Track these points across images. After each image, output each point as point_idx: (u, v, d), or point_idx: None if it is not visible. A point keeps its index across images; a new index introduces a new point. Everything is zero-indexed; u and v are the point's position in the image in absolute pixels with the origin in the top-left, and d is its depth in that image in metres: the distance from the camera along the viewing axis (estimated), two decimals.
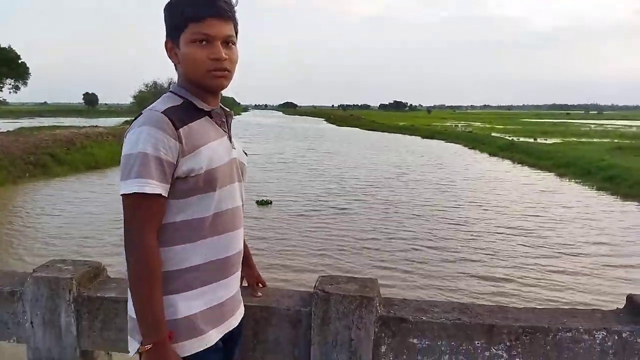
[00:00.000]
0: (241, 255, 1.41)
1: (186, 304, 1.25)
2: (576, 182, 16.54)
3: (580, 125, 61.18)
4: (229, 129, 1.38)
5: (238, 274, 1.42)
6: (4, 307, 1.76)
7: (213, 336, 1.29)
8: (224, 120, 1.36)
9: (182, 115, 1.22)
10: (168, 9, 1.27)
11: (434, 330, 1.56)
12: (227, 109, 1.41)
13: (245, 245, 1.63)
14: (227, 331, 1.36)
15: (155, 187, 1.16)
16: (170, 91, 1.32)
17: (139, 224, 1.17)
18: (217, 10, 1.23)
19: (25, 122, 48.51)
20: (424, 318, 1.58)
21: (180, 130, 1.19)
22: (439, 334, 1.56)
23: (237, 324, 1.43)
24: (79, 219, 10.79)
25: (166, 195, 1.19)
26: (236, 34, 1.31)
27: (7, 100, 44.20)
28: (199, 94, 1.29)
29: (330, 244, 8.64)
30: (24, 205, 12.54)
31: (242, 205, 1.42)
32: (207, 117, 1.30)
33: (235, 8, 1.30)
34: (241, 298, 1.49)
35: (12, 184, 15.11)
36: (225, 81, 1.28)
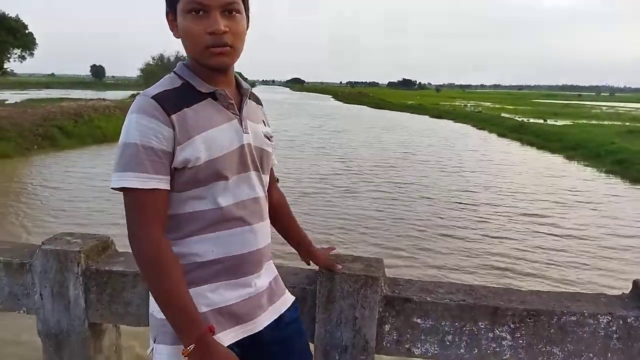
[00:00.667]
0: (264, 253, 1.26)
1: (195, 301, 1.12)
2: (585, 165, 16.39)
3: (592, 107, 60.39)
4: (241, 111, 1.20)
5: (262, 274, 1.26)
6: (14, 278, 1.79)
7: (221, 339, 1.14)
8: (232, 101, 1.17)
9: (177, 100, 1.09)
10: None
11: (438, 311, 1.57)
12: (244, 85, 1.24)
13: (301, 231, 1.55)
14: (244, 336, 1.21)
15: (150, 180, 1.05)
16: (173, 71, 1.18)
17: (139, 221, 1.07)
18: None
19: (33, 94, 48.60)
20: (428, 298, 1.59)
21: (173, 116, 1.06)
22: (443, 314, 1.57)
23: (273, 319, 1.28)
24: (87, 191, 10.87)
25: (165, 188, 1.09)
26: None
27: (14, 71, 44.15)
28: (203, 73, 1.14)
29: (335, 223, 8.66)
30: (33, 177, 12.62)
31: (264, 196, 1.26)
32: (209, 99, 1.15)
33: None
34: (282, 291, 1.36)
35: (21, 156, 15.19)
36: (226, 58, 1.11)
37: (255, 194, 1.22)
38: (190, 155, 1.07)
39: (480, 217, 9.33)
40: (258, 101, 1.35)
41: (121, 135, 1.07)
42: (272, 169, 1.40)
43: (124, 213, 1.08)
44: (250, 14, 1.17)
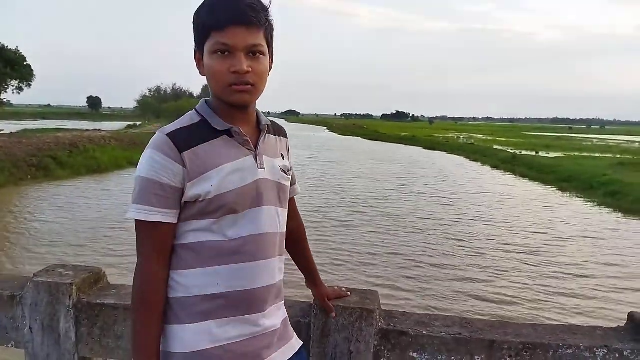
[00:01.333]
0: (272, 290, 1.24)
1: (192, 338, 1.14)
2: (578, 197, 16.52)
3: (583, 139, 61.24)
4: (257, 146, 1.22)
5: (271, 313, 1.24)
6: (4, 311, 1.75)
7: None
8: (247, 138, 1.19)
9: (191, 137, 1.13)
10: (194, 17, 1.16)
11: (434, 345, 1.55)
12: (263, 120, 1.26)
13: (311, 261, 1.56)
14: None
15: (153, 214, 1.10)
16: (195, 108, 1.22)
17: (142, 251, 1.14)
18: (239, 16, 1.09)
19: (29, 124, 48.74)
20: (424, 332, 1.57)
21: (185, 153, 1.10)
22: (439, 348, 1.55)
23: None
24: (79, 223, 10.79)
25: (170, 221, 1.13)
26: (271, 39, 1.18)
27: (11, 102, 44.40)
28: (224, 110, 1.18)
29: (328, 257, 8.54)
30: (25, 208, 12.55)
31: (280, 232, 1.26)
32: (224, 136, 1.17)
33: (269, 11, 1.15)
34: (290, 334, 1.35)
35: (14, 186, 15.15)
36: (247, 96, 1.14)
37: (268, 229, 1.21)
38: (201, 190, 1.11)
39: (475, 251, 9.24)
40: (281, 133, 1.36)
41: (138, 168, 1.14)
42: (293, 198, 1.44)
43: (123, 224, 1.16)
44: (273, 55, 1.22)
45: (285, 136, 1.39)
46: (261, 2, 1.13)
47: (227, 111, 1.18)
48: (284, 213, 1.29)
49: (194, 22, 1.15)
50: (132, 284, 1.15)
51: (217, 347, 1.14)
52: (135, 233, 1.15)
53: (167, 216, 1.12)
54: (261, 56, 1.14)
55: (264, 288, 1.20)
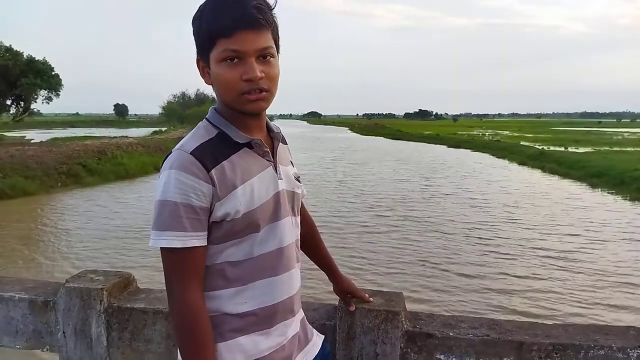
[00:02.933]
0: (296, 299, 1.24)
1: (228, 355, 1.12)
2: (609, 193, 16.08)
3: (613, 133, 59.55)
4: (275, 156, 1.19)
5: (294, 319, 1.25)
6: (38, 316, 1.81)
7: None
8: (267, 149, 1.16)
9: (214, 152, 1.07)
10: (194, 24, 1.09)
11: (462, 347, 1.53)
12: (275, 128, 1.23)
13: (328, 257, 1.54)
14: None
15: (189, 239, 1.04)
16: (206, 118, 1.16)
17: (177, 280, 1.06)
18: (248, 20, 1.02)
19: (58, 133, 50.13)
20: (451, 334, 1.55)
21: (213, 171, 1.05)
22: (467, 350, 1.53)
23: None
24: (109, 228, 11.03)
25: (203, 244, 1.07)
26: (277, 40, 1.11)
27: (40, 111, 45.70)
28: (237, 119, 1.12)
29: (349, 263, 8.40)
30: (56, 215, 12.90)
31: (296, 240, 1.25)
32: (245, 148, 1.13)
33: (274, 11, 1.09)
34: (311, 333, 1.35)
35: (45, 193, 15.59)
36: (263, 103, 1.09)
37: (288, 241, 1.19)
38: (231, 209, 1.06)
39: (506, 257, 8.71)
40: (284, 140, 1.32)
41: (159, 192, 1.05)
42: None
43: (163, 270, 1.09)
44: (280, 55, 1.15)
45: (287, 143, 1.36)
46: (266, 1, 1.08)
47: (240, 120, 1.12)
48: (297, 221, 1.27)
49: (195, 29, 1.09)
50: (163, 308, 1.11)
51: None
52: (166, 262, 1.07)
53: (202, 239, 1.06)
54: (272, 59, 1.08)
55: (288, 299, 1.20)
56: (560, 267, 8.21)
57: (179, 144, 1.09)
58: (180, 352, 1.08)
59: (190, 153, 1.05)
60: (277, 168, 1.19)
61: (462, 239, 9.95)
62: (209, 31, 1.05)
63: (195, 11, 1.09)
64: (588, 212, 12.90)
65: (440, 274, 7.80)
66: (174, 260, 1.05)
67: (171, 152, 1.09)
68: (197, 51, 1.11)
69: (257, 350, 1.14)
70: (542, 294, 7.02)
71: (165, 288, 1.09)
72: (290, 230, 1.20)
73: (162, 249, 1.05)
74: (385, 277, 7.80)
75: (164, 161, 1.09)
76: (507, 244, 9.58)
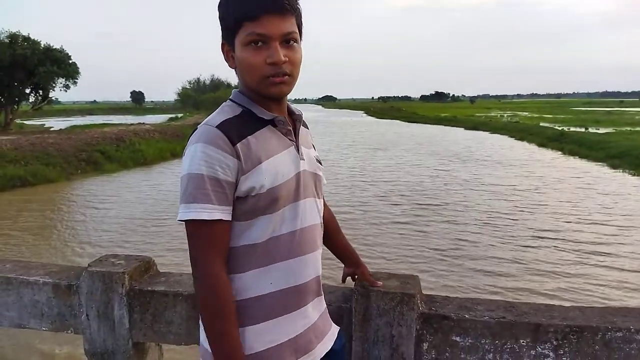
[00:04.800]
0: (318, 280, 1.25)
1: (256, 338, 1.12)
2: (631, 174, 15.77)
3: (635, 113, 58.14)
4: (297, 136, 1.21)
5: (317, 301, 1.26)
6: (62, 300, 1.87)
7: None
8: (290, 128, 1.19)
9: (240, 128, 1.09)
10: (220, 8, 1.11)
11: (477, 329, 1.54)
12: (296, 111, 1.24)
13: (348, 245, 1.55)
14: None
15: (215, 211, 1.05)
16: (229, 99, 1.19)
17: (203, 253, 1.06)
18: (274, 4, 1.05)
19: (77, 120, 50.87)
20: (467, 316, 1.56)
21: (238, 145, 1.06)
22: (483, 332, 1.54)
23: (327, 350, 1.27)
24: (129, 214, 11.21)
25: (229, 219, 1.08)
26: (300, 26, 1.13)
27: (59, 100, 46.30)
28: (260, 101, 1.14)
29: (375, 250, 8.32)
30: (77, 201, 13.14)
31: (320, 223, 1.25)
32: (269, 126, 1.15)
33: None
34: (330, 322, 1.35)
35: (66, 180, 15.87)
36: (285, 87, 1.11)
37: (310, 222, 1.20)
38: (255, 182, 1.07)
39: (534, 250, 8.07)
40: (306, 125, 1.33)
41: (185, 166, 1.07)
42: None
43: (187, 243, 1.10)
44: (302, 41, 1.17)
45: (307, 127, 1.36)
46: None
47: (263, 102, 1.15)
48: (321, 204, 1.28)
49: (222, 12, 1.11)
50: (193, 288, 1.10)
51: (275, 346, 1.14)
52: (190, 236, 1.07)
53: (227, 213, 1.07)
54: (295, 44, 1.10)
55: (311, 280, 1.21)
56: (597, 262, 7.54)
57: (205, 121, 1.11)
58: (204, 326, 1.09)
59: (216, 127, 1.07)
60: (300, 148, 1.20)
61: (483, 228, 9.57)
62: (235, 14, 1.07)
63: None
64: (610, 197, 12.32)
65: (467, 273, 7.35)
66: (200, 234, 1.06)
67: (197, 128, 1.10)
68: (223, 35, 1.13)
69: (281, 335, 1.15)
70: (577, 296, 6.40)
71: (186, 269, 1.12)
72: (313, 211, 1.21)
73: (187, 223, 1.06)
74: (404, 255, 7.80)
75: (189, 137, 1.11)
76: (535, 234, 8.96)
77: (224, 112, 1.13)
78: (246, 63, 1.09)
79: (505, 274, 7.10)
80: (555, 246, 8.28)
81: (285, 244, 1.14)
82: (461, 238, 8.75)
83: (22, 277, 1.90)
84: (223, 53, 1.15)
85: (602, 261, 7.54)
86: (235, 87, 1.24)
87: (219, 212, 1.06)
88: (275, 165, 1.11)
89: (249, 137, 1.09)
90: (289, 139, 1.18)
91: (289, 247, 1.15)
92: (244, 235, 1.12)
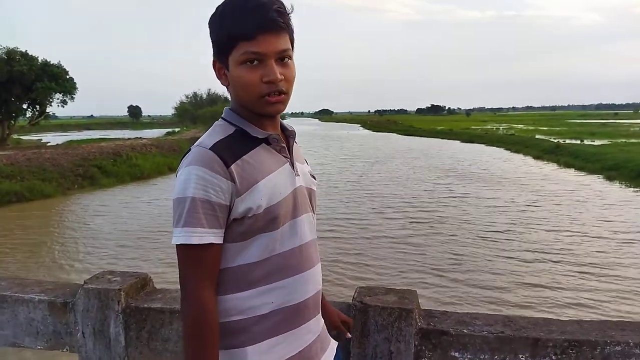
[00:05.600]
0: (319, 295, 1.23)
1: (259, 358, 1.11)
2: (627, 186, 15.83)
3: (630, 125, 58.53)
4: (291, 153, 1.19)
5: (318, 316, 1.24)
6: (57, 317, 1.85)
7: None
8: (284, 145, 1.17)
9: (234, 148, 1.07)
10: (212, 26, 1.09)
11: (476, 344, 1.53)
12: (289, 127, 1.23)
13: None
14: None
15: (206, 235, 1.03)
16: (222, 117, 1.16)
17: (191, 277, 1.05)
18: (269, 22, 1.04)
19: (74, 135, 50.90)
20: (465, 331, 1.55)
21: (232, 167, 1.04)
22: (482, 347, 1.53)
23: None
24: (125, 229, 11.16)
25: (220, 242, 1.07)
26: (293, 42, 1.12)
27: (56, 115, 46.35)
28: (254, 119, 1.13)
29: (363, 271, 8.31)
30: (73, 217, 13.09)
31: (315, 238, 1.24)
32: (263, 144, 1.13)
33: (290, 14, 1.10)
34: (329, 336, 1.33)
35: (62, 195, 15.82)
36: (281, 106, 1.11)
37: (308, 238, 1.19)
38: (252, 203, 1.06)
39: (537, 270, 7.73)
40: (296, 139, 1.33)
41: (178, 189, 1.05)
42: None
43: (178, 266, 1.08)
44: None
45: (295, 142, 1.35)
46: (284, 4, 1.08)
47: (257, 120, 1.13)
48: (315, 219, 1.27)
49: (214, 30, 1.09)
50: (179, 308, 1.08)
51: None
52: (181, 260, 1.06)
53: (218, 237, 1.06)
54: (289, 61, 1.10)
55: (311, 297, 1.19)
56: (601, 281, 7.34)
57: (197, 142, 1.09)
58: (185, 348, 1.06)
59: (210, 149, 1.05)
60: (294, 165, 1.19)
61: (481, 246, 9.49)
62: (229, 33, 1.05)
63: (213, 12, 1.09)
64: (610, 210, 12.23)
65: (461, 289, 7.36)
66: (190, 257, 1.05)
67: (189, 150, 1.08)
68: (215, 53, 1.11)
69: (284, 352, 1.14)
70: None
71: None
72: (310, 226, 1.20)
73: (178, 246, 1.05)
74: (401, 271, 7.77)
75: (182, 159, 1.09)
76: (536, 251, 8.76)
77: (216, 132, 1.11)
78: (242, 82, 1.08)
79: (502, 288, 7.09)
80: (552, 260, 8.28)
81: (285, 261, 1.12)
82: (459, 252, 8.74)
83: (18, 295, 1.88)
84: (215, 70, 1.13)
85: (599, 274, 7.55)
86: None
87: (211, 236, 1.04)
88: (271, 183, 1.09)
89: (243, 157, 1.07)
90: (284, 156, 1.16)
91: (289, 265, 1.13)
92: (242, 255, 1.10)
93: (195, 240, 1.03)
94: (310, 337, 1.20)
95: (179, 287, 1.10)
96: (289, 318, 1.14)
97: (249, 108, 1.12)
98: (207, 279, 1.06)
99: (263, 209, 1.07)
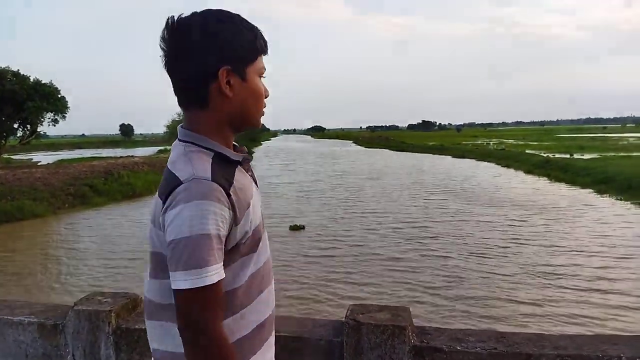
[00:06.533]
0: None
1: None
2: (617, 199, 15.95)
3: (618, 139, 59.26)
4: (252, 171, 1.20)
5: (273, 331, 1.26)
6: (47, 340, 1.82)
7: None
8: (250, 165, 1.17)
9: (225, 176, 1.02)
10: (230, 33, 1.05)
11: None
12: (238, 144, 1.19)
13: None
14: None
15: (221, 270, 0.99)
16: (192, 142, 1.07)
17: (211, 316, 0.98)
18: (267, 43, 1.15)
19: (65, 154, 50.59)
20: (458, 347, 1.55)
21: (232, 195, 1.00)
22: None
23: None
24: (116, 249, 11.05)
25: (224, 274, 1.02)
26: None
27: (47, 134, 46.13)
28: (227, 139, 1.10)
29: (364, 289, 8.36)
30: (63, 237, 12.95)
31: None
32: (238, 166, 1.10)
33: None
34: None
35: (53, 215, 15.67)
36: None
37: (269, 252, 1.21)
38: (248, 228, 1.05)
39: (538, 295, 7.37)
40: None
41: (184, 227, 0.95)
42: None
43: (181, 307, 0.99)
44: None
45: None
46: None
47: (228, 140, 1.11)
48: None
49: (236, 38, 1.05)
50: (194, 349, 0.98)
51: None
52: (197, 300, 0.97)
53: (223, 270, 1.01)
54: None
55: (274, 310, 1.21)
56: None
57: (191, 173, 0.99)
58: None
59: (212, 180, 0.98)
60: (256, 181, 1.20)
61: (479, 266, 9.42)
62: (254, 45, 1.08)
63: (220, 19, 1.05)
64: (607, 226, 12.05)
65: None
66: (207, 297, 0.97)
67: (179, 183, 0.98)
68: (231, 60, 1.05)
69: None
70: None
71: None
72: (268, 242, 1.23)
73: (188, 289, 0.96)
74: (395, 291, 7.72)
75: (170, 193, 0.99)
76: (536, 272, 8.44)
77: (201, 160, 1.03)
78: (258, 92, 1.11)
79: (496, 305, 7.06)
80: (545, 274, 8.29)
81: (259, 279, 1.13)
82: (452, 270, 8.71)
83: (6, 317, 1.86)
84: (221, 79, 1.04)
85: (595, 289, 7.53)
86: None
87: (222, 270, 0.99)
88: (254, 205, 1.09)
89: (234, 183, 1.04)
90: (250, 175, 1.16)
91: (262, 281, 1.14)
92: (240, 276, 1.08)
93: (216, 278, 0.97)
94: (271, 355, 1.21)
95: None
96: (266, 330, 1.16)
97: (248, 120, 1.12)
98: (220, 311, 1.02)
99: (252, 232, 1.06)
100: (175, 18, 1.04)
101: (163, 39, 1.05)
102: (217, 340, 0.98)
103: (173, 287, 0.97)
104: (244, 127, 1.13)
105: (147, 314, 1.16)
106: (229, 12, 1.08)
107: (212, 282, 0.96)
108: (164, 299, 1.07)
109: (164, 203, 1.00)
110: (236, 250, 1.05)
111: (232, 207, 1.00)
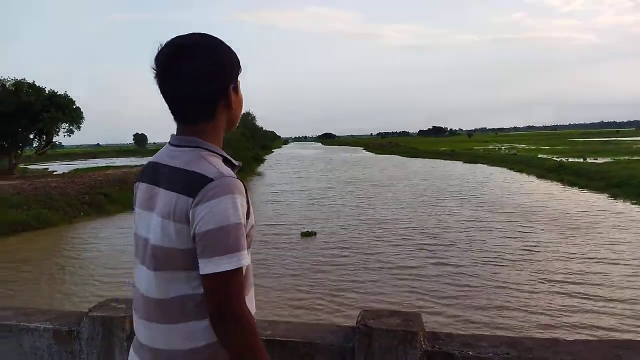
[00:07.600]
0: None
1: None
2: (632, 203, 15.72)
3: (632, 142, 58.46)
4: None
5: None
6: (63, 346, 1.85)
7: None
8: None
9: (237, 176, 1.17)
10: (233, 56, 1.21)
11: None
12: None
13: None
14: None
15: (248, 256, 1.13)
16: (203, 147, 1.18)
17: (241, 299, 1.09)
18: None
19: (80, 164, 51.19)
20: (470, 353, 1.54)
21: (247, 191, 1.15)
22: None
23: None
24: (130, 256, 11.13)
25: None
26: None
27: (62, 144, 46.75)
28: (221, 143, 1.24)
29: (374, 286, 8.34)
30: (78, 245, 13.08)
31: None
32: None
33: None
34: None
35: (68, 224, 15.85)
36: None
37: None
38: (253, 221, 1.18)
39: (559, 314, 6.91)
40: None
41: (226, 216, 1.07)
42: None
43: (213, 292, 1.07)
44: None
45: None
46: None
47: (221, 143, 1.24)
48: None
49: (235, 58, 1.22)
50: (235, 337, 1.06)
51: None
52: (230, 283, 1.07)
53: None
54: None
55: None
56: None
57: (221, 171, 1.11)
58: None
59: (237, 178, 1.14)
60: None
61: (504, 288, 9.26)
62: (239, 61, 1.23)
63: (220, 42, 1.20)
64: (622, 233, 11.68)
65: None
66: (237, 280, 1.08)
67: (210, 180, 1.08)
68: (232, 78, 1.22)
69: None
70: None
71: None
72: None
73: (226, 271, 1.06)
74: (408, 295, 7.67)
75: (199, 189, 1.07)
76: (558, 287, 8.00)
77: (219, 162, 1.17)
78: (241, 102, 1.26)
79: (508, 307, 6.99)
80: (560, 282, 8.18)
81: (250, 273, 1.22)
82: (465, 278, 8.63)
83: (23, 324, 1.89)
84: (230, 93, 1.20)
85: (611, 298, 7.40)
86: None
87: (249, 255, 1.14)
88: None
89: (242, 182, 1.17)
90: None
91: (251, 277, 1.24)
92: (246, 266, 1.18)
93: (245, 262, 1.10)
94: None
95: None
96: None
97: (234, 125, 1.27)
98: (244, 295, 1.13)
99: (253, 222, 1.19)
100: (176, 43, 1.16)
101: (168, 63, 1.14)
102: (246, 317, 1.08)
103: (209, 272, 1.05)
104: (230, 131, 1.28)
105: (147, 314, 1.19)
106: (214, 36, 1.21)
107: (247, 264, 1.11)
108: (174, 292, 1.13)
109: (192, 198, 1.08)
110: (247, 239, 1.15)
111: (248, 202, 1.14)
